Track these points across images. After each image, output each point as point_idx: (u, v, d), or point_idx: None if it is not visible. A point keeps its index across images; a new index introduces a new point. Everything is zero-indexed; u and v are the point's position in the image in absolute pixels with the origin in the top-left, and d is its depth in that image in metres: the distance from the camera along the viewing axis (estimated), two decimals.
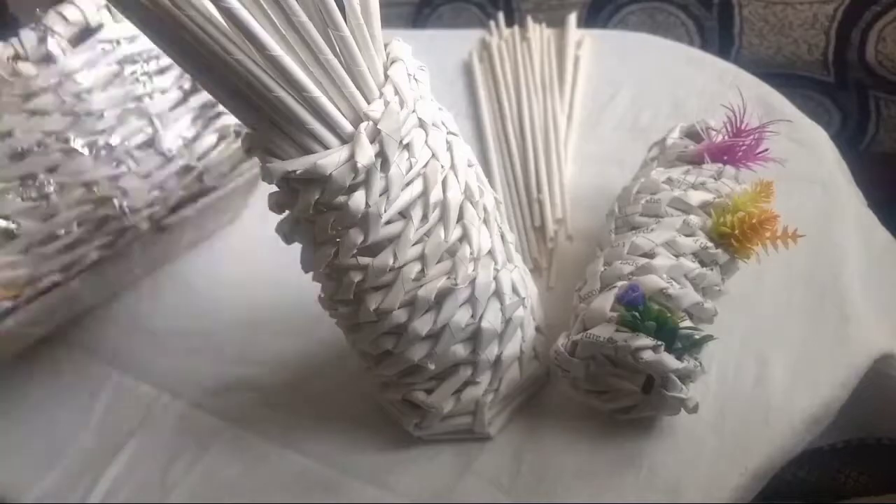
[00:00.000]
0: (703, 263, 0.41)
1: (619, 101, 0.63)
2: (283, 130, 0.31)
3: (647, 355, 0.37)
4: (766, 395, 0.41)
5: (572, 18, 0.71)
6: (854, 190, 0.52)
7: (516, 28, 0.72)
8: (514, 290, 0.40)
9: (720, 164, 0.44)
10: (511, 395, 0.43)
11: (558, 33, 0.71)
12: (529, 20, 0.72)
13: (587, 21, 0.85)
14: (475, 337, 0.39)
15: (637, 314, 0.37)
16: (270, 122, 0.31)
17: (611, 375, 0.39)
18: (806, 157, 0.52)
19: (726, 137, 0.44)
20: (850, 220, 0.48)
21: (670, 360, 0.37)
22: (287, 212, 0.35)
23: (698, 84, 0.62)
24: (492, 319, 0.39)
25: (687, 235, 0.41)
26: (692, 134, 0.48)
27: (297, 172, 0.31)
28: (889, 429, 0.48)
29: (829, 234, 0.47)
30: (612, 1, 0.84)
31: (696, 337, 0.38)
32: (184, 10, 0.28)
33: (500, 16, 0.76)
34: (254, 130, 0.33)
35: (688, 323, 0.39)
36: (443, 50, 0.75)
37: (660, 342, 0.37)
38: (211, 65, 0.29)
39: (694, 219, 0.41)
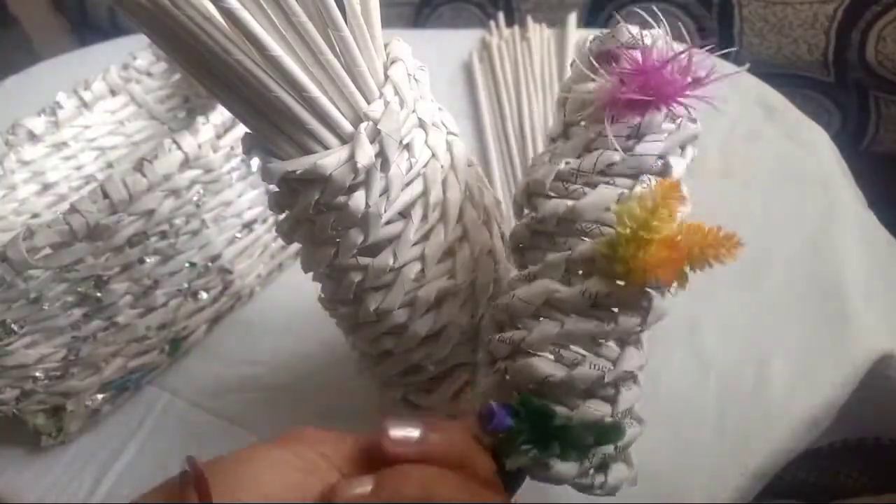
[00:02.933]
0: (600, 313, 0.29)
1: None
2: (283, 130, 0.31)
3: (540, 474, 0.28)
4: (767, 395, 0.41)
5: (572, 18, 0.71)
6: (854, 190, 0.52)
7: (516, 28, 0.72)
8: None
9: (631, 122, 0.30)
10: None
11: (558, 33, 0.71)
12: (529, 20, 0.72)
13: (587, 21, 0.85)
14: (475, 337, 0.39)
15: (508, 435, 0.28)
16: (270, 122, 0.31)
17: None
18: (806, 157, 0.52)
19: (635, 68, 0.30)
20: (850, 220, 0.48)
21: (566, 471, 0.28)
22: (287, 212, 0.35)
23: None
24: None
25: (575, 276, 0.29)
26: (605, 54, 0.32)
27: (297, 172, 0.31)
28: (889, 429, 0.48)
29: (830, 234, 0.47)
30: (612, 1, 0.84)
31: (601, 428, 0.29)
32: (184, 10, 0.28)
33: (500, 16, 0.76)
34: (254, 130, 0.33)
35: (590, 410, 0.29)
36: (443, 50, 0.75)
37: (545, 455, 0.28)
38: (211, 65, 0.29)
39: (583, 248, 0.29)
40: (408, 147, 0.33)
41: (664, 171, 0.31)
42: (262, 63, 0.29)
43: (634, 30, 0.31)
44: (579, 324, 0.29)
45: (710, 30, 0.81)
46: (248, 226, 0.55)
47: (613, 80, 0.30)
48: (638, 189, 0.30)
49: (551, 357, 0.29)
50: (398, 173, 0.33)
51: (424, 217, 0.35)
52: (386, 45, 0.34)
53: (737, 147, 0.55)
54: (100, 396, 0.51)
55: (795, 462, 0.40)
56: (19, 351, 0.46)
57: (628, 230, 0.27)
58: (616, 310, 0.29)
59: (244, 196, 0.53)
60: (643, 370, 0.31)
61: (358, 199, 0.32)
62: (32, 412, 0.49)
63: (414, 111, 0.33)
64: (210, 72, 0.30)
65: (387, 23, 0.32)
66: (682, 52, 0.29)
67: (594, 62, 0.31)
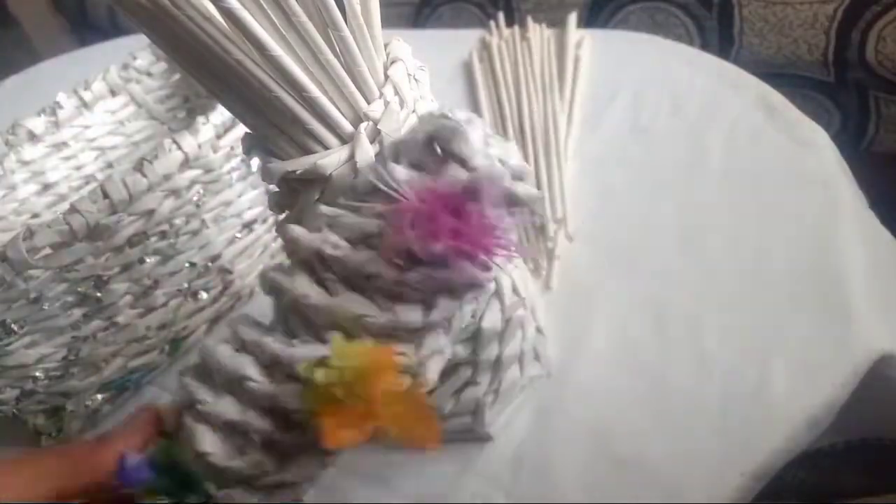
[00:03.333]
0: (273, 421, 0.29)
1: (619, 101, 0.63)
2: (283, 130, 0.31)
3: None
4: (767, 395, 0.41)
5: (572, 18, 0.71)
6: (854, 190, 0.52)
7: (516, 28, 0.72)
8: (514, 290, 0.40)
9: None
10: (511, 395, 0.43)
11: (558, 33, 0.71)
12: (529, 20, 0.72)
13: (587, 21, 0.85)
14: (475, 337, 0.39)
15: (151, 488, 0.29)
16: (270, 122, 0.31)
17: None
18: (806, 157, 0.52)
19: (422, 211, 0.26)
20: (850, 220, 0.48)
21: None
22: (287, 212, 0.35)
23: (698, 84, 0.62)
24: (492, 319, 0.39)
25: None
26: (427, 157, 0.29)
27: (297, 172, 0.31)
28: (889, 429, 0.48)
29: (830, 234, 0.47)
30: (612, 1, 0.84)
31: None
32: (184, 10, 0.28)
33: (500, 16, 0.76)
34: (254, 130, 0.33)
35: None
36: (443, 50, 0.75)
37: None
38: (211, 65, 0.29)
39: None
40: None
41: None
42: (262, 63, 0.29)
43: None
44: (257, 421, 0.29)
45: (710, 30, 0.81)
46: (248, 226, 0.55)
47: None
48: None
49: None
50: None
51: None
52: (386, 45, 0.34)
53: (737, 147, 0.55)
54: (100, 396, 0.51)
55: (795, 462, 0.40)
56: (19, 351, 0.46)
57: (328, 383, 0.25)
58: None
59: (244, 196, 0.53)
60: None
61: None
62: (32, 412, 0.49)
63: (414, 111, 0.33)
64: (210, 72, 0.30)
65: (387, 23, 0.32)
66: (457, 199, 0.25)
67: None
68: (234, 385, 0.29)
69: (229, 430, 0.29)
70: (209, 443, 0.29)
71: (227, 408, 0.29)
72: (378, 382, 0.24)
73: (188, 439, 0.29)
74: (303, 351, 0.28)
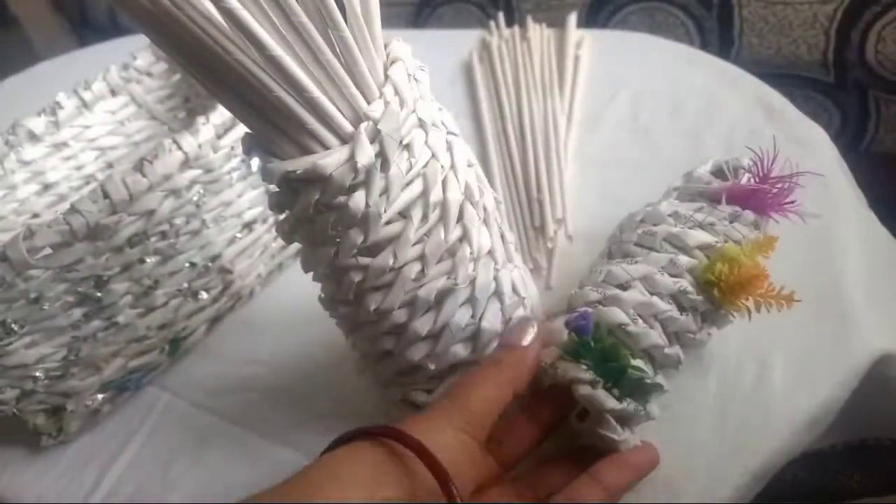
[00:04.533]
0: (680, 307, 0.38)
1: (619, 101, 0.63)
2: (283, 130, 0.31)
3: (583, 389, 0.35)
4: (767, 395, 0.41)
5: (572, 18, 0.71)
6: (854, 190, 0.52)
7: (516, 28, 0.72)
8: (514, 290, 0.40)
9: (737, 208, 0.41)
10: None
11: (558, 33, 0.71)
12: (529, 20, 0.72)
13: (587, 21, 0.85)
14: (475, 337, 0.39)
15: (583, 343, 0.35)
16: (270, 123, 0.31)
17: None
18: (806, 157, 0.52)
19: (754, 181, 0.41)
20: (850, 221, 0.48)
21: (606, 399, 0.35)
22: (287, 212, 0.35)
23: (698, 84, 0.62)
24: (492, 319, 0.39)
25: (671, 275, 0.39)
26: (721, 172, 0.45)
27: (297, 172, 0.31)
28: (889, 429, 0.48)
29: (829, 234, 0.47)
30: (612, 1, 0.84)
31: (646, 382, 0.36)
32: (184, 10, 0.28)
33: (500, 16, 0.76)
34: (254, 131, 0.33)
35: (643, 364, 0.36)
36: (443, 50, 0.75)
37: (599, 378, 0.35)
38: (211, 65, 0.29)
39: (684, 259, 0.39)
40: (408, 147, 0.33)
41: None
42: (262, 63, 0.29)
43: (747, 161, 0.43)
44: (660, 304, 0.38)
45: (710, 30, 0.81)
46: (248, 226, 0.55)
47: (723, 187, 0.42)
48: (755, 236, 0.41)
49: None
50: (398, 173, 0.33)
51: (424, 217, 0.35)
52: (386, 45, 0.34)
53: (736, 147, 0.55)
54: (100, 396, 0.51)
55: (795, 462, 0.40)
56: (19, 351, 0.46)
57: (728, 259, 0.37)
58: (690, 310, 0.38)
59: (244, 196, 0.53)
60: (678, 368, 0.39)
61: (358, 199, 0.32)
62: (32, 412, 0.49)
63: (414, 111, 0.33)
64: (210, 72, 0.30)
65: (387, 23, 0.32)
66: (781, 180, 0.40)
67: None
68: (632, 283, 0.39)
69: (634, 313, 0.38)
70: (625, 318, 0.37)
71: (635, 295, 0.38)
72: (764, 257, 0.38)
73: (608, 317, 0.37)
74: (699, 235, 0.40)
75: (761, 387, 0.41)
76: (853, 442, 0.48)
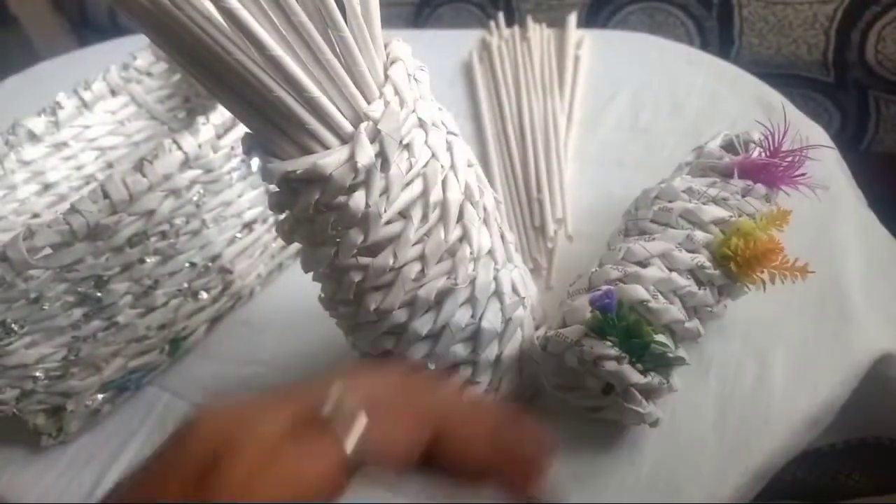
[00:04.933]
0: (698, 282, 0.39)
1: (619, 101, 0.63)
2: (283, 130, 0.31)
3: (609, 365, 0.36)
4: (766, 395, 0.41)
5: (572, 18, 0.71)
6: (854, 190, 0.52)
7: (516, 28, 0.72)
8: (514, 290, 0.40)
9: (749, 182, 0.41)
10: (511, 395, 0.43)
11: (558, 33, 0.71)
12: (529, 20, 0.72)
13: (587, 21, 0.85)
14: (475, 337, 0.39)
15: (607, 321, 0.36)
16: (270, 122, 0.31)
17: (578, 372, 0.39)
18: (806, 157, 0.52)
19: (764, 155, 0.42)
20: (850, 220, 0.48)
21: (632, 374, 0.36)
22: (287, 212, 0.35)
23: (698, 84, 0.62)
24: (492, 319, 0.39)
25: (688, 251, 0.39)
26: (731, 146, 0.45)
27: (297, 172, 0.31)
28: (889, 429, 0.48)
29: (829, 234, 0.47)
30: (612, 1, 0.84)
31: (668, 356, 0.37)
32: (184, 10, 0.28)
33: (500, 16, 0.76)
34: (254, 131, 0.33)
35: (664, 339, 0.37)
36: (443, 50, 0.75)
37: (624, 354, 0.36)
38: (211, 65, 0.29)
39: (700, 234, 0.40)
40: (408, 147, 0.33)
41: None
42: (262, 63, 0.29)
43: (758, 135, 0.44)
44: (679, 280, 0.38)
45: (710, 30, 0.81)
46: (248, 226, 0.55)
47: (735, 162, 0.43)
48: (767, 209, 0.41)
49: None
50: (398, 173, 0.33)
51: (424, 217, 0.35)
52: (386, 45, 0.34)
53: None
54: (100, 396, 0.51)
55: (795, 462, 0.40)
56: (19, 351, 0.46)
57: (744, 233, 0.38)
58: (708, 284, 0.39)
59: (244, 196, 0.53)
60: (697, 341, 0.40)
61: (358, 199, 0.32)
62: (32, 412, 0.49)
63: (414, 111, 0.33)
64: (210, 72, 0.30)
65: (387, 23, 0.32)
66: (793, 153, 0.42)
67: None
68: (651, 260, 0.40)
69: (654, 290, 0.38)
70: (646, 294, 0.38)
71: (654, 272, 0.39)
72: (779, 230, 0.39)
73: (630, 294, 0.38)
74: (714, 210, 0.40)
75: (761, 387, 0.41)
76: (853, 441, 0.48)
